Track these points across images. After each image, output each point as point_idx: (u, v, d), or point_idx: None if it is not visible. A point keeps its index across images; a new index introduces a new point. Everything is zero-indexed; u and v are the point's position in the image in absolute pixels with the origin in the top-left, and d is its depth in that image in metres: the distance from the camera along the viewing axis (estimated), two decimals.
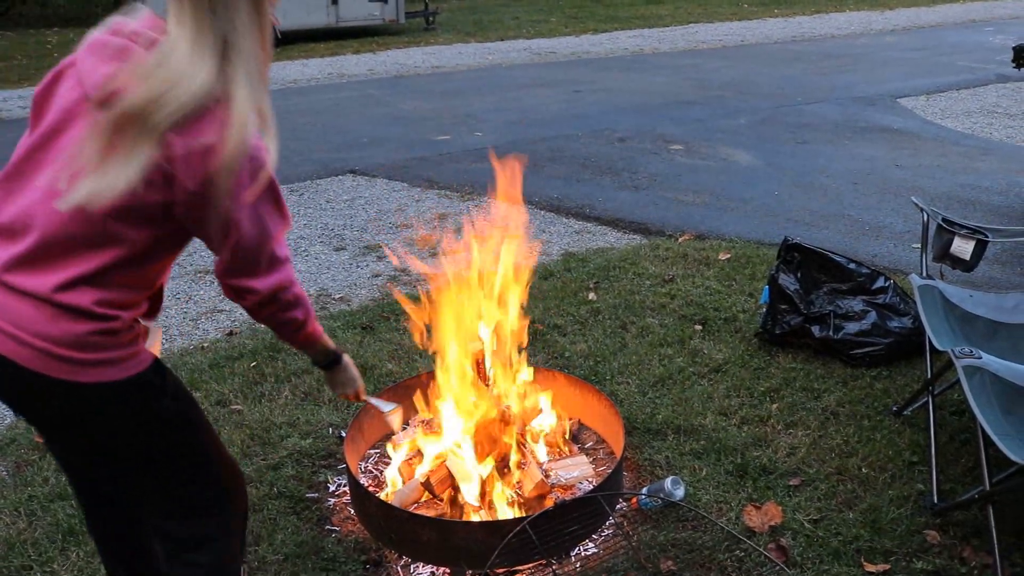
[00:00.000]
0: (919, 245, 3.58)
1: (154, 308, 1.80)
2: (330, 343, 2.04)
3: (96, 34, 1.58)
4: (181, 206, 1.56)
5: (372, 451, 3.13)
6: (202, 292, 4.80)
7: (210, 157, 1.50)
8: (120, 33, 1.56)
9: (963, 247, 3.34)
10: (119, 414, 1.70)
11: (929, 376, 3.08)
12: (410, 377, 3.30)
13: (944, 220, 3.44)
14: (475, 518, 2.65)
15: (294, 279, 1.76)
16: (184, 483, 1.87)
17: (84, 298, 1.58)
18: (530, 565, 2.55)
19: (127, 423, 1.72)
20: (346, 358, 2.13)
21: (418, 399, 3.04)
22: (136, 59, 1.51)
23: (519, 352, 3.03)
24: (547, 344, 3.95)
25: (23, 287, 1.58)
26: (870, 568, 2.54)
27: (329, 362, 2.09)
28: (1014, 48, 6.60)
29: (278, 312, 1.78)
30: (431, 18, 18.13)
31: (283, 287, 1.73)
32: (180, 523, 1.91)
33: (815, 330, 3.72)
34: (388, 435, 3.15)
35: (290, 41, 15.48)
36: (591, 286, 4.61)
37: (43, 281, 1.57)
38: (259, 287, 1.69)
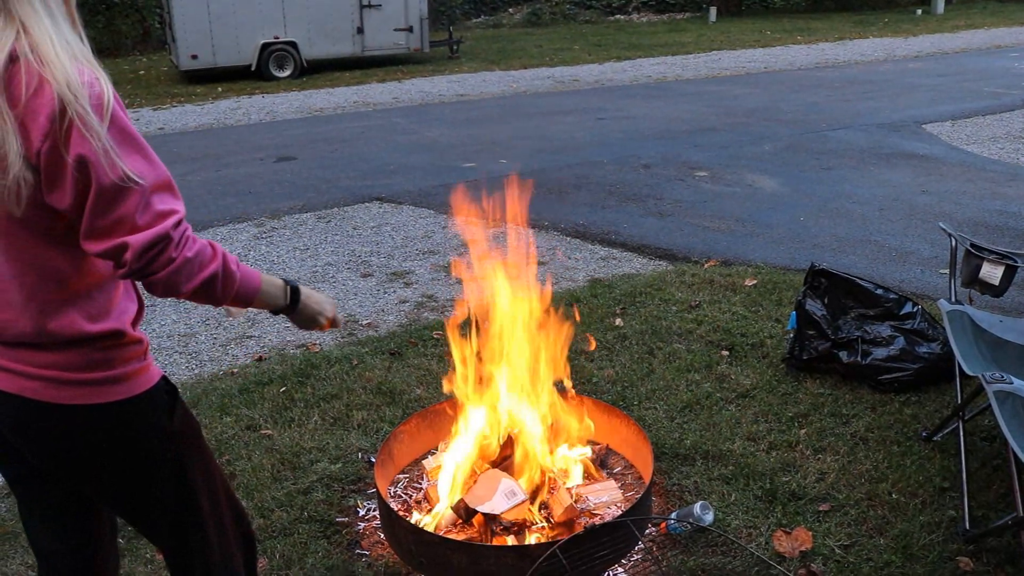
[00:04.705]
0: (947, 271, 3.58)
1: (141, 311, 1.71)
2: (277, 285, 1.75)
3: None
4: (41, 168, 1.41)
5: (401, 476, 3.15)
6: (231, 318, 4.86)
7: (40, 106, 1.37)
8: None
9: (992, 272, 3.34)
10: (130, 436, 1.65)
11: (959, 401, 3.06)
12: (439, 402, 3.33)
13: (972, 245, 3.44)
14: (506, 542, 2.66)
15: (184, 234, 1.50)
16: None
17: (72, 317, 1.54)
18: None
19: (137, 445, 1.67)
20: (304, 291, 1.83)
21: (453, 424, 3.07)
22: None
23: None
24: (574, 369, 3.95)
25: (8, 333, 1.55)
26: None
27: (289, 304, 1.80)
28: None
29: (175, 274, 1.50)
30: (455, 47, 18.35)
31: (162, 239, 1.45)
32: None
33: (843, 355, 3.72)
34: (418, 460, 3.17)
35: (317, 70, 15.74)
36: (618, 312, 4.63)
37: (21, 320, 1.53)
38: (132, 241, 1.43)
